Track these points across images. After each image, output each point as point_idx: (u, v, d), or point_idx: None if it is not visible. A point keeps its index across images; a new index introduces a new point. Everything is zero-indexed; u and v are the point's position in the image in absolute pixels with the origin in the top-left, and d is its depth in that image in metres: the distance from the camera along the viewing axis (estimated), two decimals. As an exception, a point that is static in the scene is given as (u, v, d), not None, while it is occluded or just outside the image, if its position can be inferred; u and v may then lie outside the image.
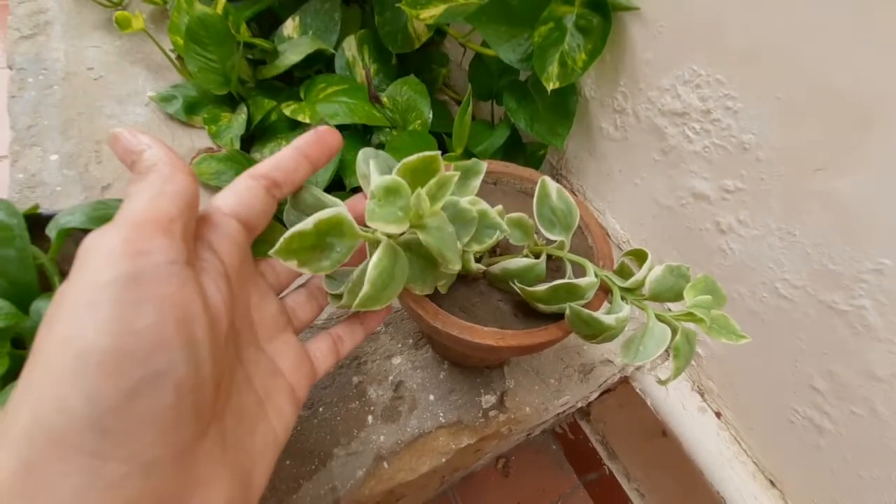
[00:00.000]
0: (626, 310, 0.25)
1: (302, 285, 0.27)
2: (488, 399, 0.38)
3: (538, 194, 0.28)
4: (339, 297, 0.24)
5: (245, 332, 0.22)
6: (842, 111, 0.28)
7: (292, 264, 0.20)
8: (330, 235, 0.21)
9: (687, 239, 0.41)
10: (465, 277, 0.30)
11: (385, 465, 0.34)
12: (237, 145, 0.48)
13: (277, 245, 0.19)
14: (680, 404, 0.45)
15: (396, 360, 0.38)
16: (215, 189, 0.45)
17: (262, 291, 0.24)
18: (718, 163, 0.36)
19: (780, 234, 0.34)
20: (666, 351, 0.24)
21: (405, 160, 0.21)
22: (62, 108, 0.51)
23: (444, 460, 0.34)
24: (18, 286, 0.24)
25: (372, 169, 0.22)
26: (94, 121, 0.50)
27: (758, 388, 0.40)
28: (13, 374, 0.23)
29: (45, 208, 0.29)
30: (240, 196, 0.21)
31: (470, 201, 0.25)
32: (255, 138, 0.51)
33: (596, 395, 0.43)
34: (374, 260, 0.20)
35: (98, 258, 0.16)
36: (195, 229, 0.19)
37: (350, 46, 0.53)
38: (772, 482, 0.42)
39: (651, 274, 0.25)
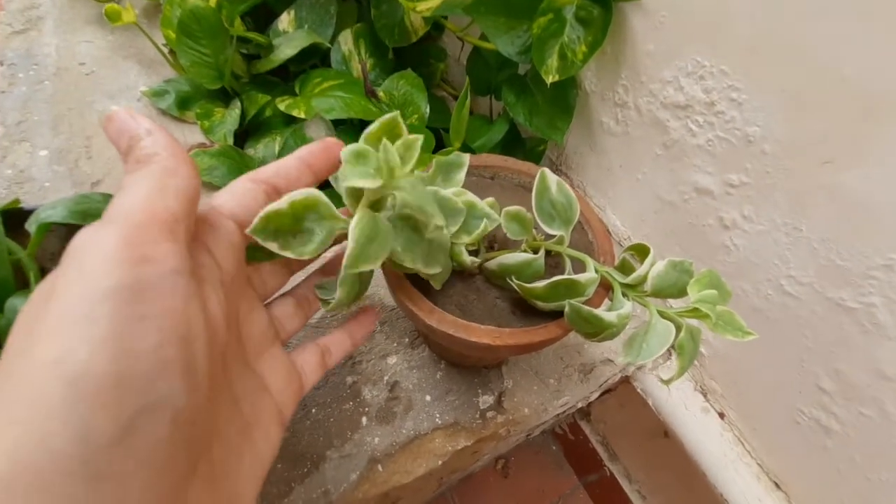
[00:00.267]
0: (627, 306, 0.24)
1: (288, 293, 0.25)
2: (486, 400, 0.37)
3: (537, 187, 0.27)
4: (329, 303, 0.23)
5: (233, 346, 0.20)
6: (850, 102, 0.27)
7: (273, 246, 0.19)
8: (308, 219, 0.20)
9: (690, 235, 0.40)
10: (460, 274, 0.29)
11: (379, 467, 0.33)
12: (230, 140, 0.47)
13: (254, 223, 0.19)
14: (682, 404, 0.44)
15: (392, 360, 0.37)
16: (207, 185, 0.44)
17: (251, 301, 0.22)
18: (722, 156, 0.35)
19: (785, 229, 0.33)
20: (668, 350, 0.24)
21: (367, 130, 0.21)
22: (53, 103, 0.50)
23: (440, 463, 0.33)
24: (-7, 282, 0.23)
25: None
26: (85, 116, 0.49)
27: (762, 388, 0.39)
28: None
29: (28, 203, 0.28)
30: (239, 198, 0.20)
31: (455, 193, 0.24)
32: (249, 134, 0.50)
33: (596, 395, 0.43)
34: (355, 220, 0.19)
35: (94, 262, 0.13)
36: (195, 230, 0.18)
37: (346, 40, 0.52)
38: (777, 484, 0.41)
39: (653, 269, 0.24)
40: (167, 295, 0.14)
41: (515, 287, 0.26)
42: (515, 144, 0.50)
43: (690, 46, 0.34)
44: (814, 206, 0.31)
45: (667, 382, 0.25)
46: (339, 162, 0.22)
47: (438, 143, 0.49)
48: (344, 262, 0.19)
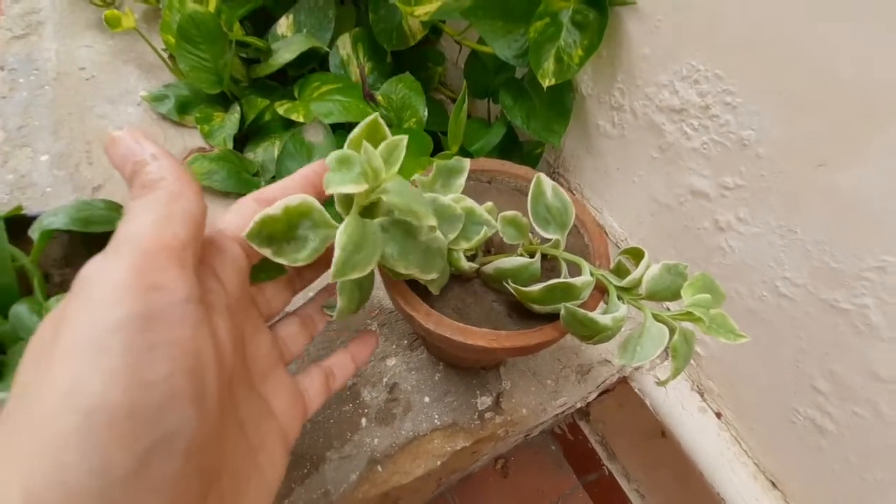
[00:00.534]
0: (622, 309, 0.24)
1: (293, 313, 0.25)
2: (484, 401, 0.37)
3: (533, 192, 0.27)
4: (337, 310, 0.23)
5: (238, 370, 0.19)
6: (844, 105, 0.28)
7: (267, 252, 0.20)
8: (302, 225, 0.20)
9: (685, 237, 0.41)
10: (458, 278, 0.29)
11: (379, 468, 0.33)
12: (230, 145, 0.48)
13: (248, 228, 0.19)
14: (679, 404, 0.44)
15: (391, 362, 0.38)
16: (206, 189, 0.45)
17: (256, 322, 0.21)
18: (717, 159, 0.35)
19: (780, 231, 0.33)
20: (665, 351, 0.24)
21: (350, 135, 0.21)
22: (53, 108, 0.50)
23: (439, 463, 0.34)
24: (-3, 289, 0.23)
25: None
26: (86, 121, 0.50)
27: (759, 388, 0.39)
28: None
29: (31, 209, 0.29)
30: (245, 219, 0.19)
31: (454, 199, 0.25)
32: (249, 138, 0.50)
33: (594, 395, 0.43)
34: (342, 228, 0.19)
35: (104, 291, 0.13)
36: (201, 254, 0.18)
37: (344, 45, 0.52)
38: (773, 483, 0.41)
39: (648, 273, 0.25)
40: (177, 323, 0.14)
41: (512, 290, 0.26)
42: (513, 148, 0.50)
43: (685, 50, 0.35)
44: (808, 208, 0.31)
45: (662, 383, 0.25)
46: None
47: (437, 146, 0.49)
48: (332, 269, 0.19)
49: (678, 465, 0.45)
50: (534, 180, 0.28)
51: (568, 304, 0.24)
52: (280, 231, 0.20)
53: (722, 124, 0.34)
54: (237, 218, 0.20)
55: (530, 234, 0.29)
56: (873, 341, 0.30)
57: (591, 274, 0.26)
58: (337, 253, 0.19)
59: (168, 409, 0.13)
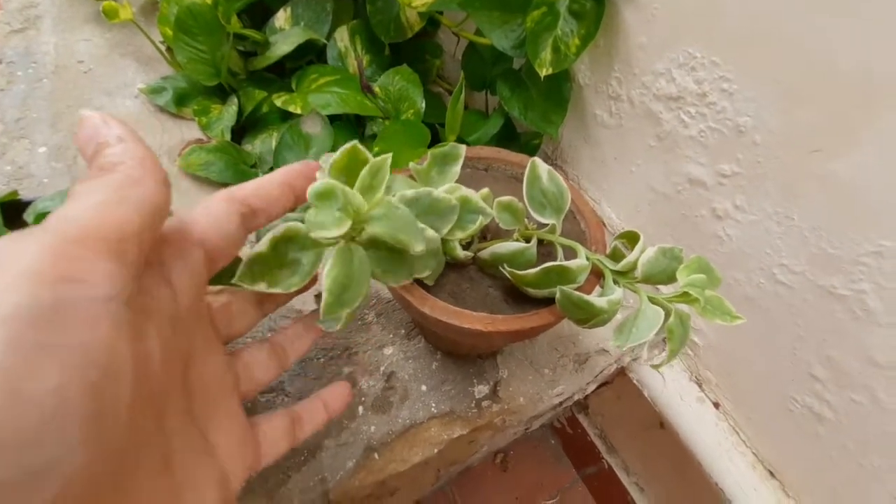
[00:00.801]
0: (618, 293, 0.24)
1: (263, 339, 0.23)
2: (481, 389, 0.37)
3: (528, 176, 0.27)
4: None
5: (174, 393, 0.16)
6: (841, 91, 0.28)
7: (261, 287, 0.19)
8: (292, 251, 0.20)
9: (683, 226, 0.41)
10: (454, 264, 0.29)
11: (376, 455, 0.33)
12: (228, 136, 0.48)
13: (238, 272, 0.18)
14: (678, 395, 0.44)
15: (388, 351, 0.38)
16: (204, 180, 0.45)
17: (209, 341, 0.19)
18: (714, 147, 0.35)
19: (777, 218, 0.33)
20: (662, 341, 0.24)
21: (332, 160, 0.20)
22: (51, 100, 0.50)
23: (436, 451, 0.34)
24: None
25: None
26: (84, 113, 0.50)
27: (756, 377, 0.39)
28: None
29: (25, 195, 0.29)
30: (213, 219, 0.18)
31: (448, 189, 0.25)
32: (246, 130, 0.50)
33: (592, 386, 0.43)
34: (327, 269, 0.19)
35: (4, 275, 0.11)
36: (154, 253, 0.15)
37: (342, 37, 0.52)
38: (771, 473, 0.41)
39: (643, 256, 0.25)
40: (88, 324, 0.12)
41: (508, 275, 0.26)
42: (511, 139, 0.50)
43: (682, 38, 0.35)
44: (805, 194, 0.31)
45: (658, 367, 0.25)
46: None
47: (434, 138, 0.49)
48: (321, 310, 0.18)
49: (676, 456, 0.45)
50: (529, 165, 0.28)
51: (563, 287, 0.24)
52: (271, 261, 0.20)
53: (719, 111, 0.34)
54: (205, 219, 0.18)
55: (526, 220, 0.29)
56: (871, 327, 0.30)
57: (587, 258, 0.26)
58: (325, 296, 0.18)
59: (47, 433, 0.10)
